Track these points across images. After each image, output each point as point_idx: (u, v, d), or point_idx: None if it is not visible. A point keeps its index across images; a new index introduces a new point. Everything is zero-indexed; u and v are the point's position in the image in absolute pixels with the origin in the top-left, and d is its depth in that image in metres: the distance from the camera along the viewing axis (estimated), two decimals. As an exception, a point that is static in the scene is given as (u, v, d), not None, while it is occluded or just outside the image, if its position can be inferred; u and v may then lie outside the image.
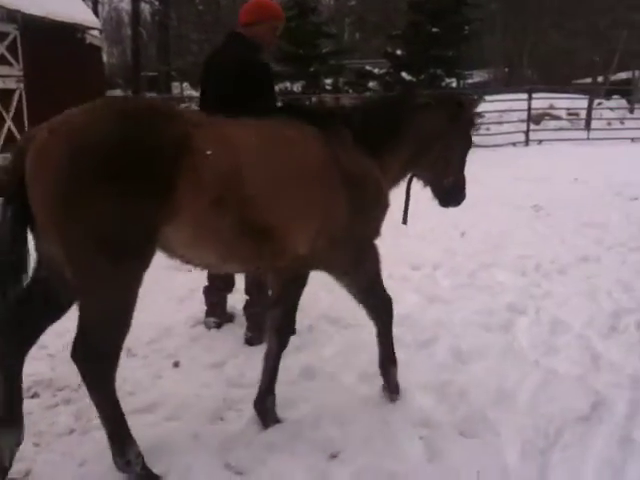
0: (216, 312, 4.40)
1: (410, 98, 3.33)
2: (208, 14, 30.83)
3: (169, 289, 5.08)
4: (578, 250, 6.24)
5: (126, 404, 3.21)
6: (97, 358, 2.41)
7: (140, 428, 2.95)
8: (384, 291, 3.21)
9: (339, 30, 31.88)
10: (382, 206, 3.08)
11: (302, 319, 4.45)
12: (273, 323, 3.12)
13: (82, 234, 2.22)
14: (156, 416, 3.22)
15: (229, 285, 4.42)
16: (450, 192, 3.50)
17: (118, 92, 29.63)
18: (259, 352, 3.92)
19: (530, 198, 8.86)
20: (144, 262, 2.39)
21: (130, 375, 3.57)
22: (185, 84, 32.61)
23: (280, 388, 3.46)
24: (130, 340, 3.97)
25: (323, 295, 4.81)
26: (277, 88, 17.74)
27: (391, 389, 3.36)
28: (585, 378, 3.58)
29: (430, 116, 3.20)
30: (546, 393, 3.40)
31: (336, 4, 35.69)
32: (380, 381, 3.43)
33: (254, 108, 2.97)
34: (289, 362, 3.78)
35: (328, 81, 18.94)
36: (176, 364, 3.83)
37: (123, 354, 3.87)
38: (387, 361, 3.36)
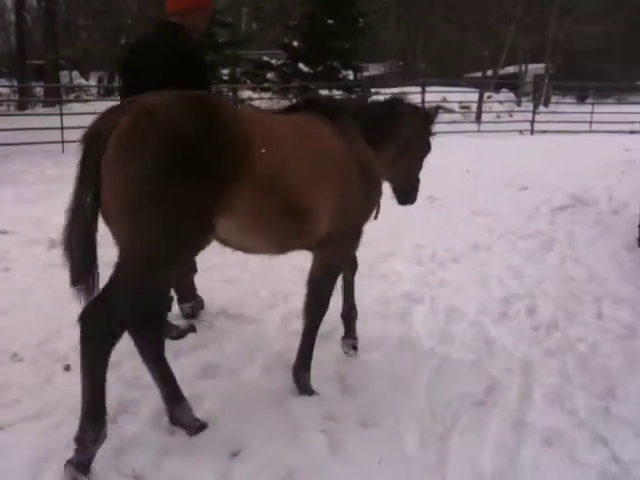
0: (189, 297, 4.33)
1: (399, 104, 3.78)
2: (98, 0, 29.57)
3: (54, 287, 4.81)
4: (470, 239, 6.47)
5: (13, 412, 3.04)
6: (114, 325, 2.45)
7: (29, 436, 2.80)
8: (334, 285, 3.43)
9: (235, 19, 31.48)
10: (379, 192, 3.46)
11: (200, 316, 4.37)
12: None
13: (154, 218, 2.33)
14: (46, 423, 3.03)
15: (193, 268, 4.33)
16: (411, 192, 4.18)
17: (3, 81, 27.98)
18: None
19: (425, 189, 9.07)
20: (199, 249, 2.64)
21: (17, 381, 3.37)
22: (75, 73, 31.22)
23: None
24: (16, 343, 3.77)
25: (221, 291, 4.73)
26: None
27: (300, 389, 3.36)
28: (479, 363, 3.71)
29: (412, 122, 3.77)
30: (443, 380, 3.50)
31: (232, -7, 35.14)
32: (282, 375, 3.40)
33: None
34: (188, 361, 3.69)
35: (225, 71, 18.68)
36: (67, 367, 3.63)
37: (8, 359, 3.68)
38: (301, 367, 3.37)
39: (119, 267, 2.45)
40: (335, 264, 3.38)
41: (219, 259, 5.49)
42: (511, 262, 5.75)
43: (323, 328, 4.12)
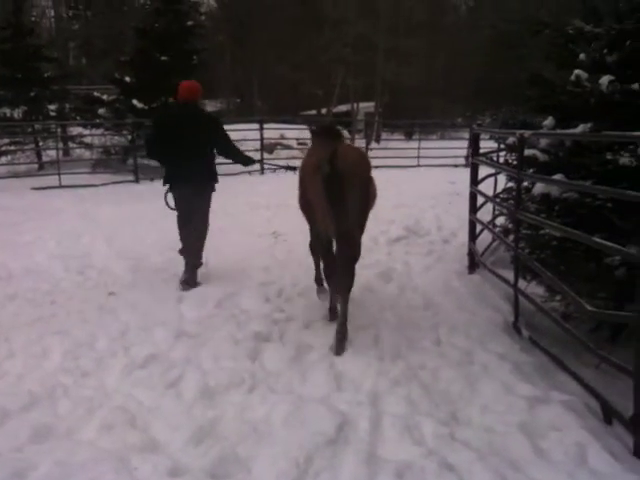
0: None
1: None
2: None
3: None
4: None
5: None
6: (356, 261, 4.79)
7: None
8: None
9: (63, 54, 30.19)
10: None
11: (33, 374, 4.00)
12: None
13: (369, 202, 4.86)
14: None
15: None
16: None
17: None
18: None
19: (270, 224, 9.12)
20: None
21: None
22: None
23: (7, 457, 3.03)
24: None
25: (56, 344, 4.38)
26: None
27: None
28: (329, 399, 3.67)
29: None
30: (295, 420, 3.41)
31: (57, 27, 33.54)
32: (124, 432, 3.17)
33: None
34: (15, 425, 3.34)
35: (52, 107, 17.74)
36: None
37: None
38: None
39: (353, 233, 4.63)
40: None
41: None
42: (354, 294, 5.84)
43: (169, 375, 3.94)
